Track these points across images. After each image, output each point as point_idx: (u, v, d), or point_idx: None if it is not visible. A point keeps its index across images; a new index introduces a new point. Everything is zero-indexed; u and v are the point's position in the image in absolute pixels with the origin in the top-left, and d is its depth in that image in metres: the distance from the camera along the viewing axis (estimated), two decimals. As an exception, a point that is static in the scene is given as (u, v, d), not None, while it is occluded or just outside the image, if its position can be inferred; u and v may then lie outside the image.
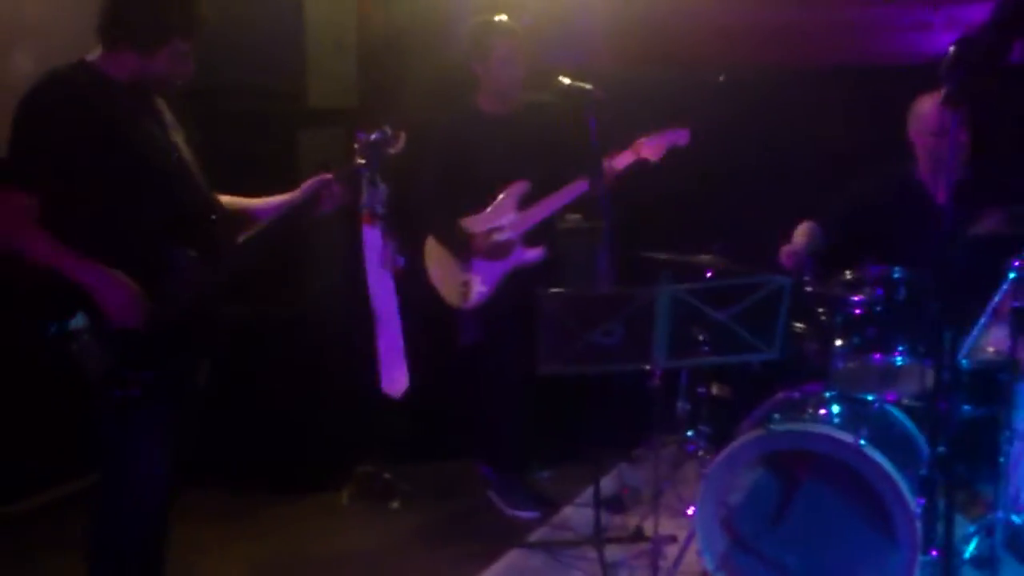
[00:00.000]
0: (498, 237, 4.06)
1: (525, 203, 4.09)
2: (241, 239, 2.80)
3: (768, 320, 2.72)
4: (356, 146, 2.85)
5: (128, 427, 2.70)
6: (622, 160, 3.94)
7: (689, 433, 3.95)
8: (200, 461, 4.39)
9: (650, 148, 3.92)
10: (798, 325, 3.81)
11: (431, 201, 4.15)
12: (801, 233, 3.91)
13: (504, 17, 4.13)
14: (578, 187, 3.95)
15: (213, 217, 2.84)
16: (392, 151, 2.86)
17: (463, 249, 4.09)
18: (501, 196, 4.09)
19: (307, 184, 2.86)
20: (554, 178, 4.05)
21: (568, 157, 3.97)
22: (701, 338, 2.80)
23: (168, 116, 2.83)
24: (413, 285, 4.22)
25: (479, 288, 4.09)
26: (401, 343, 2.92)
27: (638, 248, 3.96)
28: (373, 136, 2.84)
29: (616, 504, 4.27)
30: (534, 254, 4.08)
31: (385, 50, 4.78)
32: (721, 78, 4.86)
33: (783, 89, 4.78)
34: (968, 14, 4.98)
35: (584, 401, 4.73)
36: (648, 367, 2.84)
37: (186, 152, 2.82)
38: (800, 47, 5.01)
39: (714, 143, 4.70)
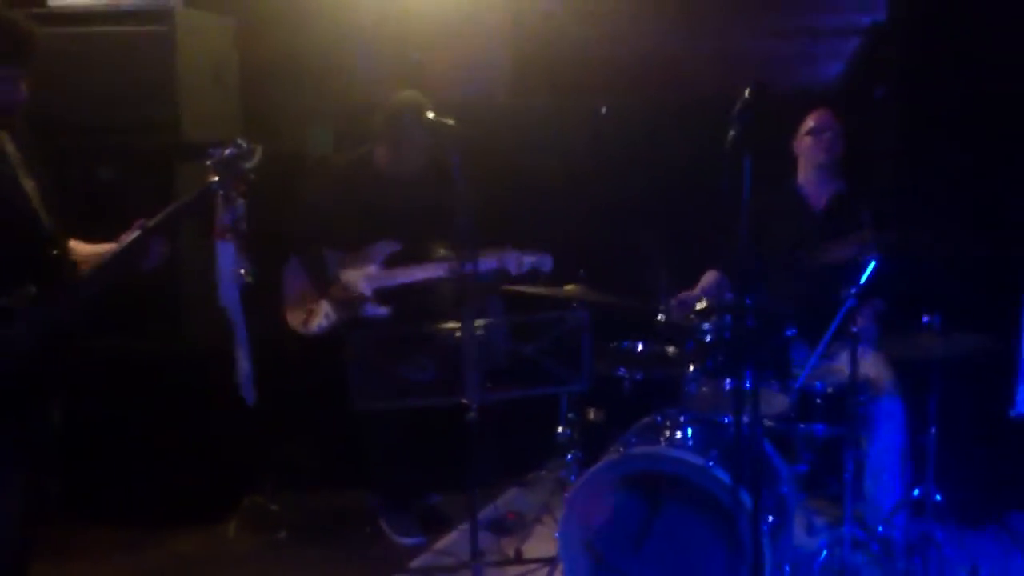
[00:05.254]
0: (352, 293, 4.19)
1: (390, 262, 4.22)
2: (82, 274, 2.80)
3: (576, 352, 2.80)
4: (208, 163, 2.83)
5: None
6: (483, 264, 3.92)
7: (568, 458, 4.04)
8: (84, 496, 4.43)
9: (514, 263, 4.04)
10: (671, 350, 3.94)
11: (306, 228, 4.28)
12: (704, 282, 4.08)
13: (419, 96, 4.12)
14: (439, 268, 4.09)
15: (55, 252, 2.83)
16: (248, 165, 2.85)
17: (322, 286, 4.23)
18: (370, 248, 4.24)
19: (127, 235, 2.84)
20: (431, 241, 4.19)
21: (443, 226, 3.99)
22: (513, 371, 2.88)
23: (10, 149, 2.80)
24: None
25: (321, 321, 4.22)
26: (248, 356, 2.95)
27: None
28: (227, 151, 2.83)
29: (501, 528, 4.33)
30: (380, 311, 4.18)
31: (270, 80, 4.83)
32: (603, 110, 4.98)
33: (666, 119, 4.91)
34: (847, 45, 5.20)
35: (481, 425, 4.81)
36: (463, 401, 2.90)
37: (28, 186, 2.79)
38: (682, 79, 5.16)
39: (596, 172, 4.86)
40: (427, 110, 4.05)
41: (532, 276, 4.09)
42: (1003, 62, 4.25)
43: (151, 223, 2.81)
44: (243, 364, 2.95)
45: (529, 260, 4.07)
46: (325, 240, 4.28)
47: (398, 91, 4.24)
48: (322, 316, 4.19)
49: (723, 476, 3.13)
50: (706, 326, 3.43)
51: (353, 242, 4.26)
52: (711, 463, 3.15)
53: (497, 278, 4.11)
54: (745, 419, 3.29)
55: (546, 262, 4.09)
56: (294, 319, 4.28)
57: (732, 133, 2.44)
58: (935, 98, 4.46)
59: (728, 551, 3.29)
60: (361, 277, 4.21)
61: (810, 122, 4.16)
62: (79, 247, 2.95)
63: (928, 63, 4.50)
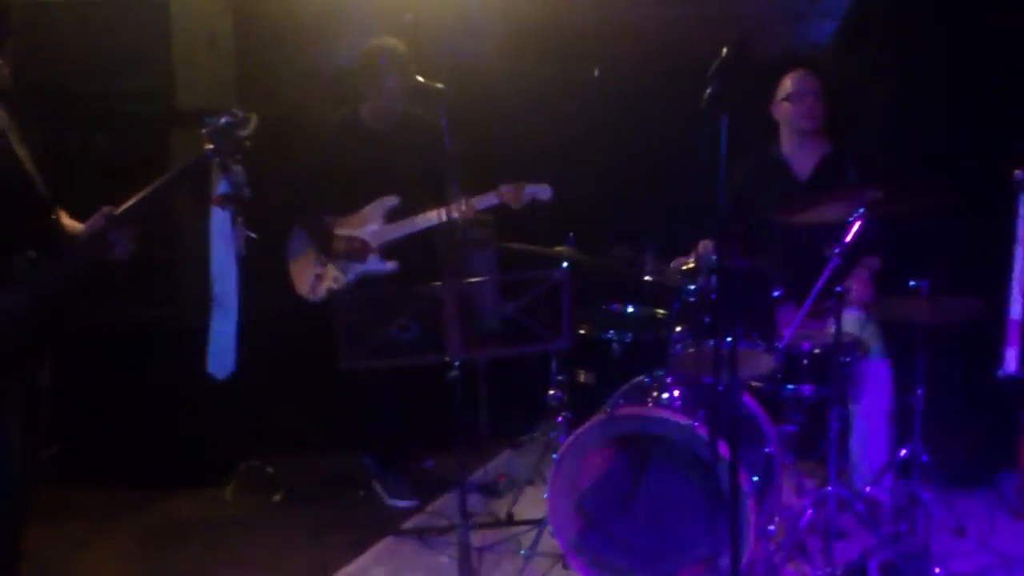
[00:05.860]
0: (357, 243, 4.23)
1: (391, 217, 4.25)
2: (80, 237, 2.83)
3: (556, 311, 2.83)
4: (204, 131, 2.84)
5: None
6: (484, 201, 4.10)
7: (559, 420, 4.07)
8: (83, 459, 4.50)
9: (512, 196, 4.09)
10: (660, 312, 3.97)
11: (304, 193, 4.30)
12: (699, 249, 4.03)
13: (397, 44, 4.18)
14: (439, 214, 4.06)
15: (53, 217, 2.87)
16: (244, 133, 2.85)
17: (325, 244, 4.25)
18: (370, 206, 4.26)
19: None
20: (422, 195, 4.21)
21: (437, 176, 4.04)
22: (494, 330, 2.90)
23: (3, 116, 2.82)
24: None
25: (329, 283, 4.26)
26: (234, 328, 2.97)
27: (507, 239, 4.08)
28: (222, 120, 2.83)
29: (492, 491, 4.38)
30: (387, 267, 4.24)
31: (265, 47, 4.83)
32: (596, 73, 4.97)
33: (658, 83, 4.89)
34: (840, 4, 5.17)
35: (473, 390, 4.86)
36: (446, 359, 2.93)
37: (21, 152, 2.82)
38: (675, 42, 5.14)
39: (587, 137, 4.86)
40: (401, 52, 4.09)
41: (532, 207, 4.13)
42: (994, 20, 4.22)
43: (118, 211, 2.81)
44: (222, 334, 2.97)
45: (528, 190, 4.11)
46: (323, 205, 4.29)
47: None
48: (331, 280, 4.24)
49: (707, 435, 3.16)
50: (692, 287, 3.45)
51: (350, 203, 4.27)
52: (696, 423, 3.18)
53: (499, 213, 4.17)
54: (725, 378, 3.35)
55: (544, 191, 4.13)
56: (302, 285, 4.31)
57: (708, 91, 2.44)
58: (928, 55, 4.43)
59: (713, 509, 3.33)
60: (365, 234, 4.24)
61: (788, 86, 4.01)
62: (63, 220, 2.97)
63: (920, 20, 4.47)
